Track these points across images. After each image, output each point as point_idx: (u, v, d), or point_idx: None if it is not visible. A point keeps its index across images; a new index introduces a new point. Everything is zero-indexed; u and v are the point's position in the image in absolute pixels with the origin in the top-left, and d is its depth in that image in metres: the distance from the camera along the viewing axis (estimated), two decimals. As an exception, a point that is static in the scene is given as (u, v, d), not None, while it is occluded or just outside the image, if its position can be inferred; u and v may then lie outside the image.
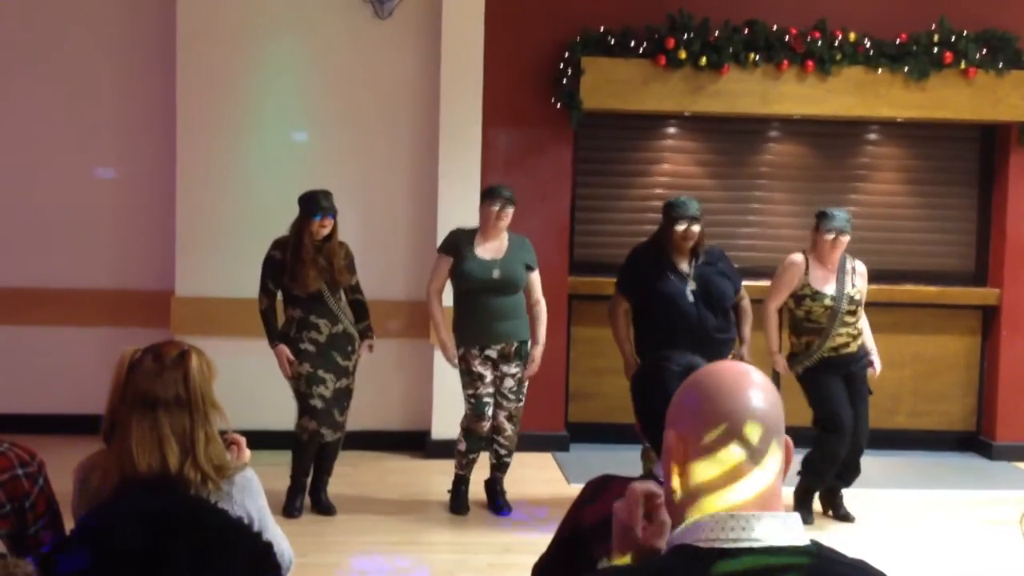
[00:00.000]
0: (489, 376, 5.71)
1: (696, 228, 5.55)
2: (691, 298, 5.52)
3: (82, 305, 7.11)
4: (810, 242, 5.89)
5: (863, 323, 5.88)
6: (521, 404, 5.79)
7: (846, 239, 5.76)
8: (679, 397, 1.54)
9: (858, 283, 5.83)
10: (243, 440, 2.62)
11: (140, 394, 2.37)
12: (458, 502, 5.88)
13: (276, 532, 2.57)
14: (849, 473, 5.85)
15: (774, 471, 1.48)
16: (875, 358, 5.88)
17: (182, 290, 6.90)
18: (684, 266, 5.60)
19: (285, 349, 5.64)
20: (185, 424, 2.37)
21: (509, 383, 5.73)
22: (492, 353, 5.70)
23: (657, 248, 5.66)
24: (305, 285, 5.57)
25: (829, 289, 5.74)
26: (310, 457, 5.73)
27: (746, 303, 5.79)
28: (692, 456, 1.50)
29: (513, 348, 5.70)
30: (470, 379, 5.73)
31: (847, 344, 5.76)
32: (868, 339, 5.91)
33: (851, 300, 5.74)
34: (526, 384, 5.79)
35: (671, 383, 2.37)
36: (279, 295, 5.71)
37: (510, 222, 5.77)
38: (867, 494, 6.31)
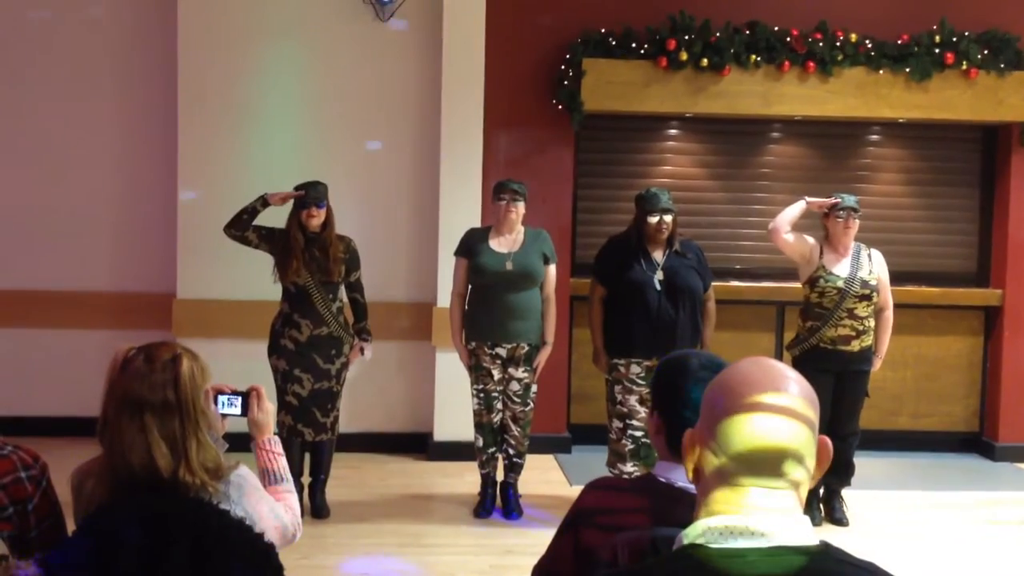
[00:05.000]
0: (498, 375, 5.73)
1: (669, 219, 5.59)
2: (657, 287, 5.54)
3: (84, 307, 7.12)
4: (823, 230, 5.91)
5: (882, 325, 5.86)
6: (528, 408, 5.78)
7: (856, 222, 5.80)
8: (707, 395, 1.53)
9: (875, 269, 5.83)
10: (262, 388, 2.68)
11: (128, 395, 2.35)
12: (481, 505, 5.88)
13: (276, 507, 2.57)
14: (838, 472, 5.84)
15: (796, 477, 1.46)
16: (876, 359, 5.89)
17: (183, 293, 6.90)
18: (657, 256, 5.63)
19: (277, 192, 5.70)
20: (175, 429, 2.35)
21: (515, 386, 5.73)
22: (502, 352, 5.70)
23: (632, 238, 5.69)
24: (286, 274, 5.58)
25: (841, 271, 5.76)
26: (296, 455, 5.69)
27: (711, 304, 5.78)
28: (711, 457, 1.49)
29: (523, 352, 5.70)
30: (479, 375, 5.74)
31: (848, 339, 5.74)
32: (882, 340, 5.89)
33: (864, 284, 5.74)
34: (534, 389, 5.79)
35: (693, 380, 2.37)
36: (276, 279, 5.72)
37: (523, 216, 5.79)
38: (870, 495, 6.31)
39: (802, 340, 5.85)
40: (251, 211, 5.63)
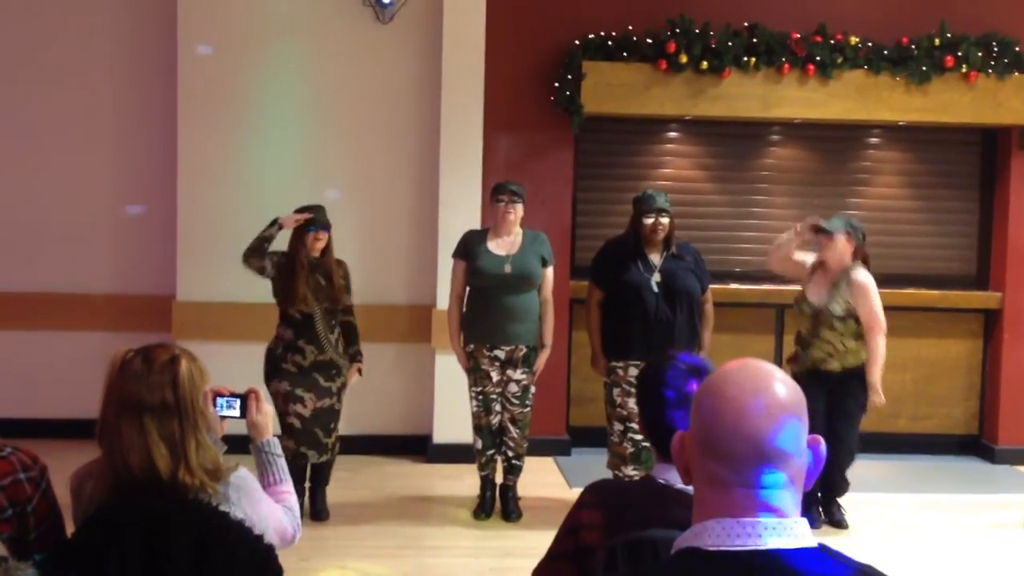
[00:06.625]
0: (496, 377, 5.73)
1: (665, 220, 5.58)
2: (655, 289, 5.54)
3: (83, 310, 7.11)
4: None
5: (866, 351, 5.68)
6: (527, 410, 5.78)
7: (839, 242, 5.63)
8: (695, 398, 1.52)
9: (850, 297, 5.65)
10: (260, 390, 2.69)
11: (126, 397, 2.35)
12: (480, 506, 5.88)
13: (276, 509, 2.58)
14: (830, 487, 5.81)
15: (785, 477, 1.46)
16: (873, 394, 5.68)
17: (183, 295, 6.90)
18: (654, 258, 5.63)
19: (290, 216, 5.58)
20: (174, 430, 2.35)
21: (513, 388, 5.74)
22: (500, 354, 5.70)
23: (629, 240, 5.68)
24: (293, 301, 5.52)
25: (814, 297, 5.74)
26: (298, 475, 5.57)
27: (709, 307, 5.76)
28: (699, 459, 1.48)
29: (521, 354, 5.71)
30: (477, 377, 5.74)
31: (824, 360, 5.71)
32: (870, 370, 5.66)
33: (830, 313, 5.66)
34: (532, 391, 5.79)
35: (676, 382, 2.37)
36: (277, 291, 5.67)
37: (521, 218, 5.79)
38: (869, 498, 6.31)
39: (799, 358, 5.83)
40: (268, 238, 5.55)
